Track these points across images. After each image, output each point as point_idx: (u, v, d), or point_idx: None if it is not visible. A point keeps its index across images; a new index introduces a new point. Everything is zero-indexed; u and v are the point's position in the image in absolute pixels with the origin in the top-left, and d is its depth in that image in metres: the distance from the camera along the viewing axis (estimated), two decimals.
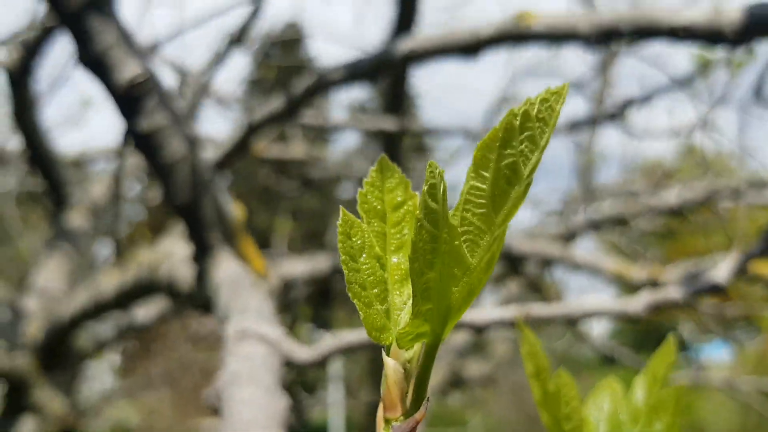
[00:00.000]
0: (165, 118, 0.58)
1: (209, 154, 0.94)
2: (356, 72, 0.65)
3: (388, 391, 0.15)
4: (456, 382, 2.67)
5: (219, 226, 0.62)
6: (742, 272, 0.51)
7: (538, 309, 0.44)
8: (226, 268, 0.59)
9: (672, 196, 1.86)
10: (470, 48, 0.58)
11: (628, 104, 1.33)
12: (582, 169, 2.81)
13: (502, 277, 2.20)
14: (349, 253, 0.15)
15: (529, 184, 0.15)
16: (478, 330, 0.46)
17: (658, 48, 3.28)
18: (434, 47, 0.61)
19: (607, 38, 0.51)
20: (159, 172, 0.59)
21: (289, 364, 0.44)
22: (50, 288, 1.92)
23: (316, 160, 2.65)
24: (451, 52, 0.60)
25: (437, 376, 2.29)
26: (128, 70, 0.55)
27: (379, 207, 0.15)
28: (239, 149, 0.92)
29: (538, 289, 2.04)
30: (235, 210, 0.64)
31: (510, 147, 0.14)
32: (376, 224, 0.15)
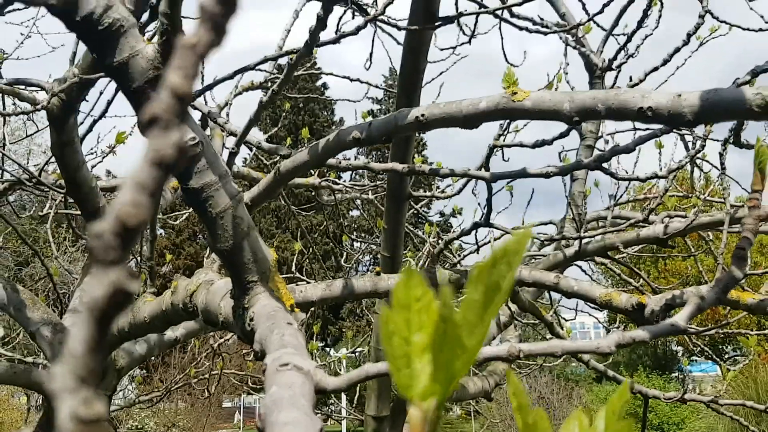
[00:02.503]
0: (211, 177, 0.68)
1: (245, 198, 1.04)
2: (371, 135, 0.75)
3: (412, 430, 0.24)
4: (457, 398, 2.74)
5: (256, 268, 0.71)
6: (701, 311, 0.59)
7: (526, 347, 0.52)
8: (262, 305, 0.68)
9: (660, 228, 1.94)
10: (470, 120, 0.67)
11: (616, 152, 1.41)
12: (575, 199, 2.89)
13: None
14: (386, 334, 0.24)
15: (507, 294, 0.24)
16: (477, 364, 0.55)
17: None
18: (440, 117, 0.70)
19: (586, 116, 0.59)
20: (206, 222, 0.69)
21: (320, 391, 0.53)
22: None
23: (328, 187, 2.75)
24: (454, 122, 0.70)
25: None
26: (182, 136, 0.65)
27: (405, 301, 0.25)
28: (268, 194, 1.02)
29: (533, 312, 2.11)
30: (269, 253, 0.73)
31: (494, 272, 0.23)
32: (403, 314, 0.24)
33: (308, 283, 3.25)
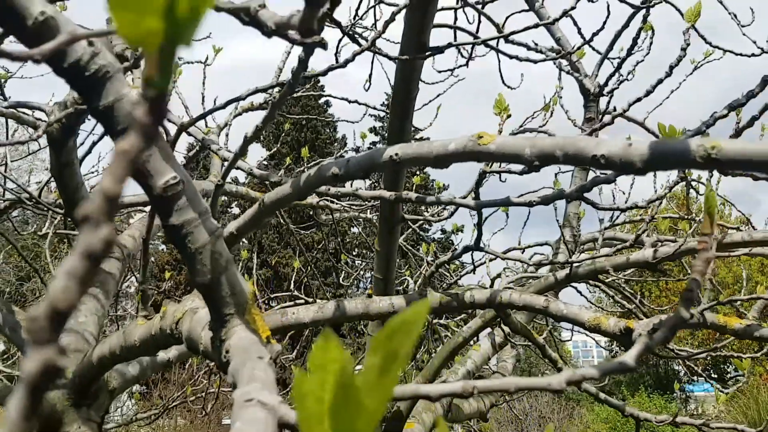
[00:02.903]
0: (191, 214, 0.71)
1: (230, 228, 1.08)
2: (350, 171, 0.78)
3: None
4: (452, 420, 2.74)
5: (233, 301, 0.74)
6: (651, 350, 0.61)
7: (481, 384, 0.55)
8: (238, 337, 0.71)
9: (649, 252, 1.96)
10: (440, 160, 0.70)
11: (597, 182, 1.45)
12: (570, 220, 2.92)
13: (491, 323, 2.30)
14: (299, 395, 0.27)
15: (406, 361, 0.27)
16: (434, 400, 0.57)
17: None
18: (412, 157, 0.73)
19: (545, 161, 0.63)
20: (185, 257, 0.72)
21: (284, 425, 0.55)
22: (80, 330, 2.06)
23: (326, 207, 2.79)
24: (425, 162, 0.73)
25: (431, 415, 2.37)
26: (163, 177, 0.69)
27: (321, 362, 0.27)
28: (254, 225, 1.06)
29: (525, 335, 2.13)
30: (247, 286, 0.76)
31: (391, 342, 0.26)
32: (319, 375, 0.27)
33: (303, 304, 3.27)
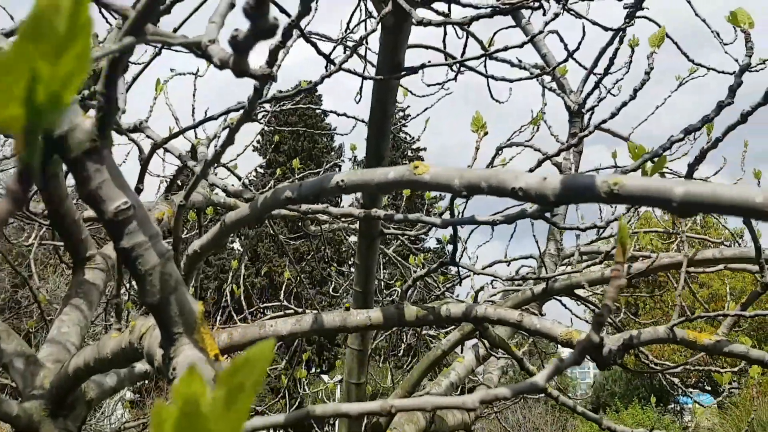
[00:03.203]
0: (141, 238, 0.75)
1: (194, 246, 1.11)
2: (302, 195, 0.82)
3: None
4: (435, 430, 2.77)
5: (182, 320, 0.78)
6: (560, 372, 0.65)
7: (398, 402, 0.58)
8: (184, 356, 0.75)
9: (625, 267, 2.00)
10: (381, 187, 0.74)
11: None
12: (554, 234, 2.96)
13: (469, 336, 2.33)
14: (157, 423, 0.30)
15: (254, 393, 0.31)
16: (354, 418, 0.61)
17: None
18: (357, 183, 0.77)
19: (472, 191, 0.66)
20: (135, 278, 0.76)
21: None
22: (62, 340, 2.09)
23: (314, 218, 2.83)
24: (368, 188, 0.77)
25: (414, 426, 2.40)
26: (114, 202, 0.72)
27: (182, 393, 0.31)
28: (217, 243, 1.09)
29: (503, 348, 2.16)
30: (196, 306, 0.80)
31: (236, 377, 0.30)
32: (176, 405, 0.31)
33: (293, 314, 3.31)
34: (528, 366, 2.57)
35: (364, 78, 1.64)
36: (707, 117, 1.38)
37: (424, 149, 19.20)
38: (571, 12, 2.42)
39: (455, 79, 2.94)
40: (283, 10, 1.19)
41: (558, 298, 3.41)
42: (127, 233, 0.75)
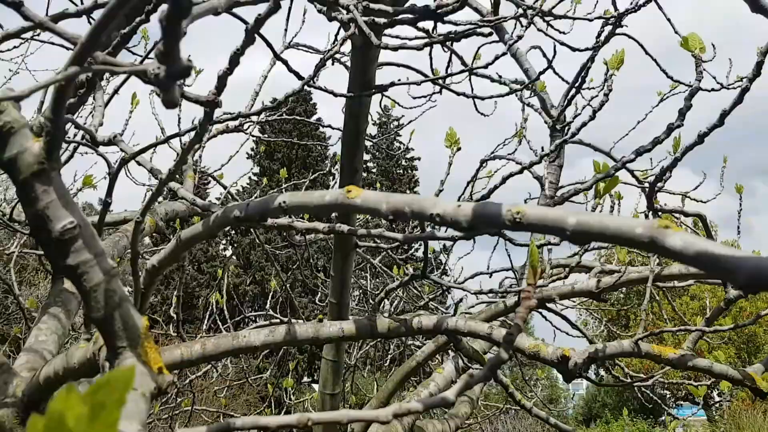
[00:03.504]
0: (86, 255, 0.78)
1: (152, 261, 1.15)
2: (249, 215, 0.86)
3: None
4: None
5: (125, 335, 0.81)
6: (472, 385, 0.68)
7: (315, 416, 0.62)
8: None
9: (593, 282, 2.04)
10: (319, 209, 0.78)
11: None
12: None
13: (444, 348, 2.36)
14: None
15: (117, 410, 0.35)
16: (273, 431, 0.64)
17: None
18: (297, 205, 0.81)
19: (397, 216, 0.70)
20: (81, 294, 0.79)
21: None
22: (39, 349, 2.11)
23: (296, 229, 2.85)
24: (307, 210, 0.81)
25: None
26: (61, 222, 0.76)
27: (56, 409, 0.35)
28: (173, 259, 1.13)
29: (477, 359, 2.20)
30: (141, 321, 0.83)
31: (97, 396, 0.34)
32: (51, 422, 0.35)
33: (279, 323, 3.34)
34: (502, 378, 2.60)
35: (334, 95, 1.68)
36: (657, 139, 1.42)
37: (419, 159, 19.34)
38: (541, 30, 2.47)
39: (440, 92, 2.99)
40: (243, 21, 1.23)
41: (538, 310, 3.45)
42: (73, 251, 0.78)
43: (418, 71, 1.98)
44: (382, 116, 16.64)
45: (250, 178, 15.25)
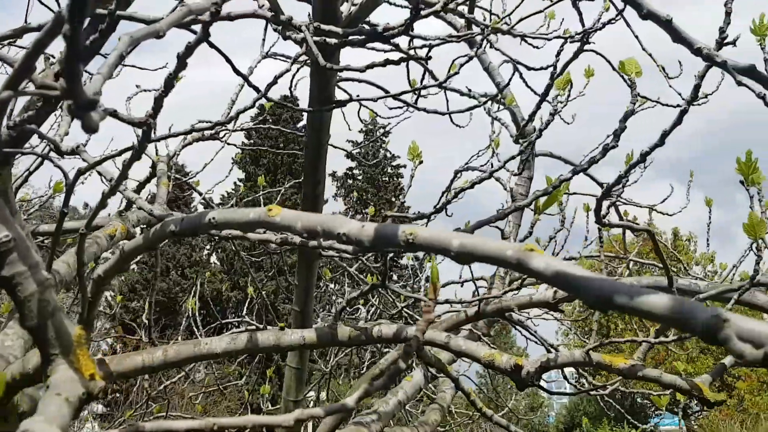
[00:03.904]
0: (21, 267, 0.83)
1: (98, 271, 1.19)
2: (183, 230, 0.91)
3: None
4: None
5: (58, 343, 0.86)
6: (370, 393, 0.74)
7: (222, 421, 0.66)
8: (57, 376, 0.82)
9: (550, 293, 2.10)
10: (244, 226, 0.83)
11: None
12: None
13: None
14: None
15: (14, 416, 0.40)
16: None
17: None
18: (226, 221, 0.86)
19: (311, 235, 0.75)
20: (16, 303, 0.84)
21: None
22: (5, 354, 2.14)
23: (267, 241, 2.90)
24: (235, 226, 0.86)
25: None
26: None
27: None
28: (118, 269, 1.17)
29: (439, 368, 2.25)
30: (74, 329, 0.88)
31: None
32: None
33: (255, 330, 3.38)
34: (463, 386, 2.66)
35: (294, 110, 1.73)
36: (593, 158, 1.49)
37: (404, 166, 19.40)
38: (499, 50, 2.55)
39: (415, 103, 3.04)
40: (192, 31, 1.28)
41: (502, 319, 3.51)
42: (8, 263, 0.83)
43: (379, 87, 2.04)
44: (368, 123, 16.70)
45: (235, 183, 15.27)
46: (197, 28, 1.40)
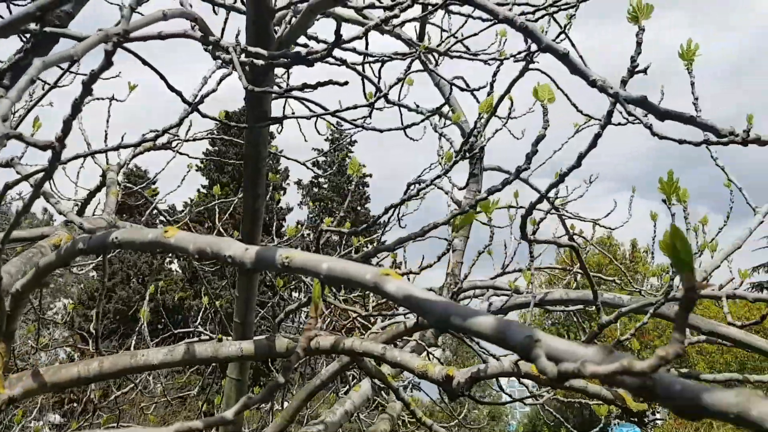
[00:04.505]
0: None
1: (16, 286, 1.21)
2: (91, 247, 0.94)
3: None
4: None
5: None
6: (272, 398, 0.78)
7: (141, 429, 0.70)
8: None
9: (485, 305, 2.18)
10: (144, 246, 0.87)
11: (379, 250, 1.66)
12: (453, 270, 3.14)
13: (347, 367, 2.45)
14: None
15: None
16: None
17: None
18: (126, 241, 0.90)
19: (203, 256, 0.80)
20: None
21: None
22: None
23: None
24: (135, 246, 0.90)
25: None
26: None
27: None
28: (36, 284, 1.19)
29: (379, 378, 2.30)
30: None
31: None
32: None
33: (207, 340, 3.37)
34: (403, 396, 2.72)
35: (228, 126, 1.77)
36: (507, 179, 1.56)
37: (370, 175, 19.48)
38: (436, 73, 2.63)
39: (369, 116, 3.10)
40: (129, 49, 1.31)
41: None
42: None
43: (317, 104, 2.08)
44: (334, 132, 16.71)
45: (198, 190, 15.13)
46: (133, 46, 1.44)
